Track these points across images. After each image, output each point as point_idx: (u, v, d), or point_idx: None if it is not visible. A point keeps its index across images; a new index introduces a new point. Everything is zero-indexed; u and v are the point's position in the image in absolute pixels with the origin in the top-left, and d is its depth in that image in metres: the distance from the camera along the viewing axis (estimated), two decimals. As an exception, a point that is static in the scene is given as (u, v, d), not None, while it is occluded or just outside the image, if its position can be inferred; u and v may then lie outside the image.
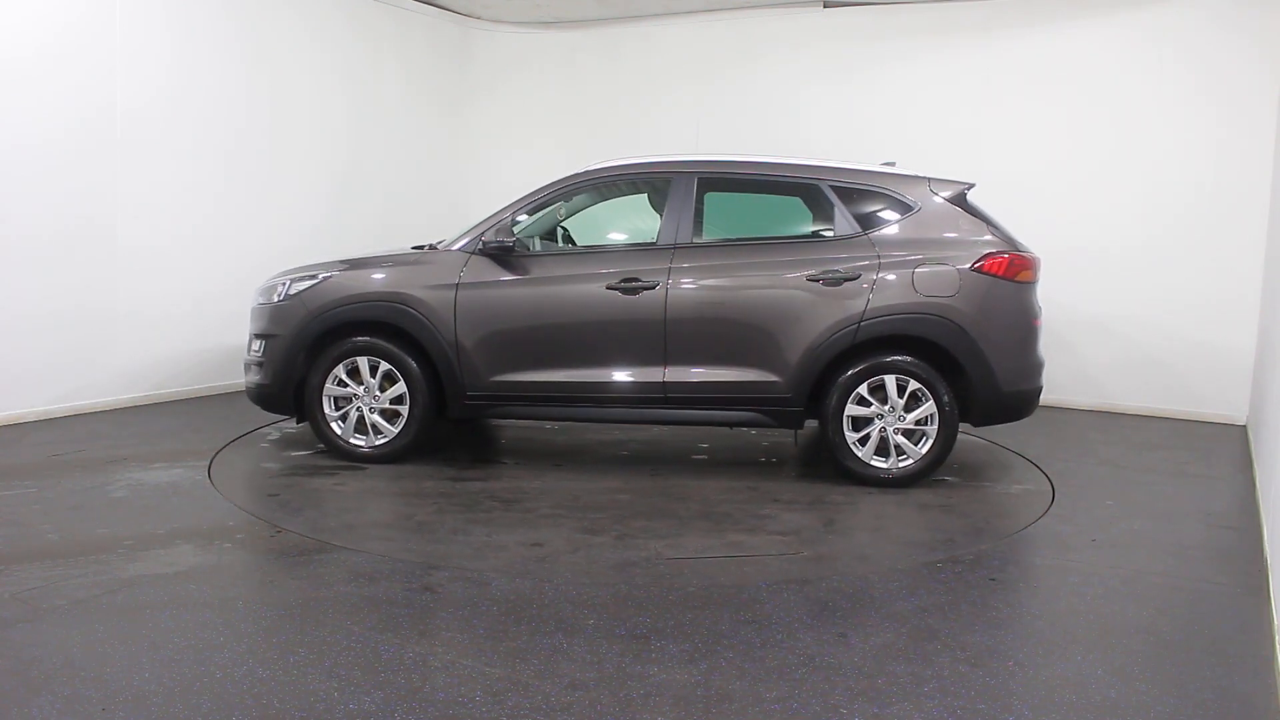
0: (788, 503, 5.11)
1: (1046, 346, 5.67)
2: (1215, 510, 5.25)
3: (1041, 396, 5.59)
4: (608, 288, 5.46)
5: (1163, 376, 7.68)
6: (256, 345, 5.78)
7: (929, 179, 5.56)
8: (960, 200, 5.51)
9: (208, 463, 5.52)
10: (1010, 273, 5.34)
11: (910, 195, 5.51)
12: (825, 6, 8.59)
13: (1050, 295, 6.03)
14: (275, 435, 6.30)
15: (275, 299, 5.74)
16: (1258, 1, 7.24)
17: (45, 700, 2.83)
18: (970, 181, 5.61)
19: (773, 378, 5.38)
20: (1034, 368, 5.48)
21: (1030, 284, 5.42)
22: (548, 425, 6.83)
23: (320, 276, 5.72)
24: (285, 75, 7.92)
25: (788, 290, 5.39)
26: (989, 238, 5.40)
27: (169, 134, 7.04)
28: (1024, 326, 5.42)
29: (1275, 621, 3.62)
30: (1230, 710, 2.99)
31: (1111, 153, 7.72)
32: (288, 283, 5.76)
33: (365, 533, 4.49)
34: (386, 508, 4.99)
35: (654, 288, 5.43)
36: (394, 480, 5.39)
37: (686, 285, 5.44)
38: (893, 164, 5.75)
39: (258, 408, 5.88)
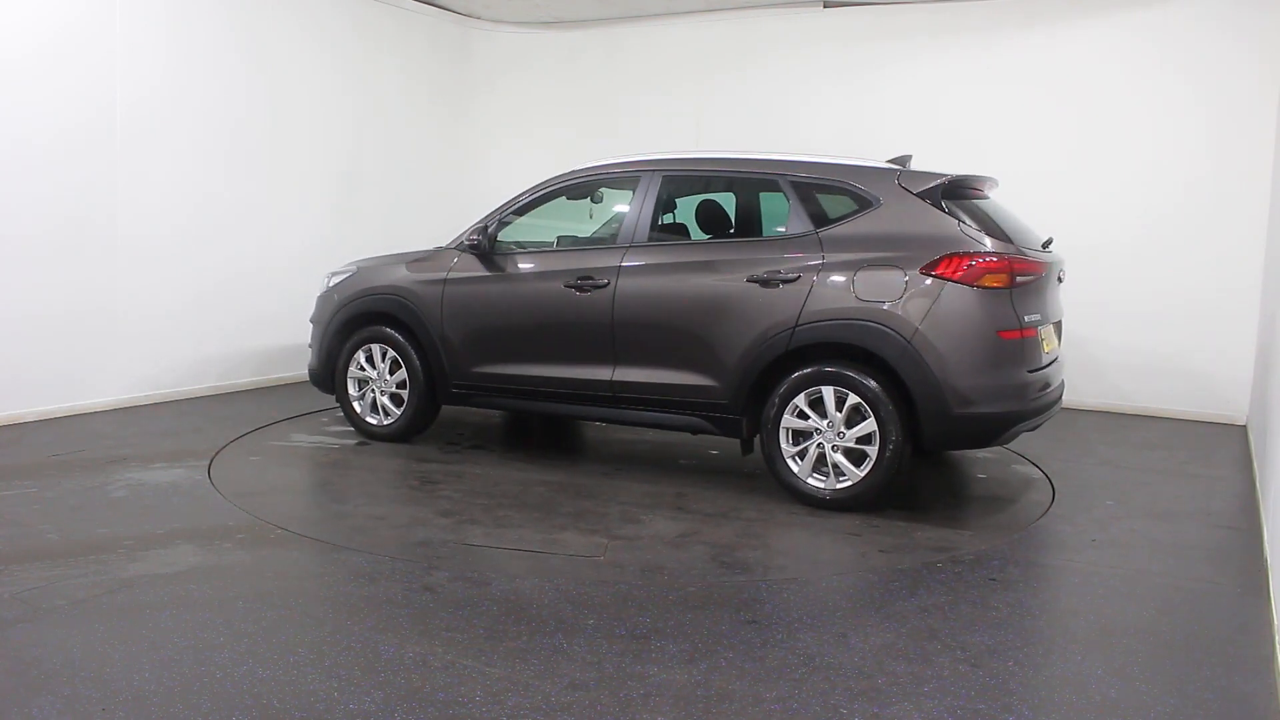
0: (687, 512, 4.89)
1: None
2: (1215, 510, 5.25)
3: (1027, 423, 4.92)
4: (565, 285, 5.51)
5: (1163, 376, 7.67)
6: (310, 330, 6.44)
7: (899, 172, 5.07)
8: (934, 195, 4.92)
9: (208, 463, 5.52)
10: (969, 277, 4.67)
11: (873, 190, 4.99)
12: (825, 6, 8.59)
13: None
14: (278, 432, 6.33)
15: (322, 289, 6.44)
16: (1258, 2, 7.24)
17: (45, 700, 2.83)
18: (947, 174, 5.02)
19: (711, 383, 5.14)
20: (1000, 390, 4.73)
21: (1000, 291, 4.71)
22: (599, 422, 6.76)
23: (350, 270, 6.36)
24: (285, 75, 7.91)
25: (726, 292, 5.09)
26: (954, 237, 4.77)
27: (169, 134, 7.03)
28: (984, 340, 4.70)
29: (1275, 621, 3.62)
30: (1230, 710, 2.99)
31: (1111, 152, 7.72)
32: (330, 275, 6.45)
33: (263, 492, 5.12)
34: (316, 475, 5.60)
35: (604, 286, 5.39)
36: (373, 456, 5.89)
37: (633, 284, 5.34)
38: (909, 158, 5.49)
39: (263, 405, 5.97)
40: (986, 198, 5.35)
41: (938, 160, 5.89)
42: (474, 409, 6.71)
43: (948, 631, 3.49)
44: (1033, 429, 5.11)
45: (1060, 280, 5.39)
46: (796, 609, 3.71)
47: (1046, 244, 5.40)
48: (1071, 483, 5.63)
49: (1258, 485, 5.57)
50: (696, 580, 3.97)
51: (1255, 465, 5.99)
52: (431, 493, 5.16)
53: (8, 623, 3.35)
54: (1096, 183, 7.76)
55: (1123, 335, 7.73)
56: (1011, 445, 6.32)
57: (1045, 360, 5.06)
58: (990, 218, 5.11)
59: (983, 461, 6.10)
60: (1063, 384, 5.44)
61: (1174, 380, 7.64)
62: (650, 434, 6.56)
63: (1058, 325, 5.42)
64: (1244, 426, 7.35)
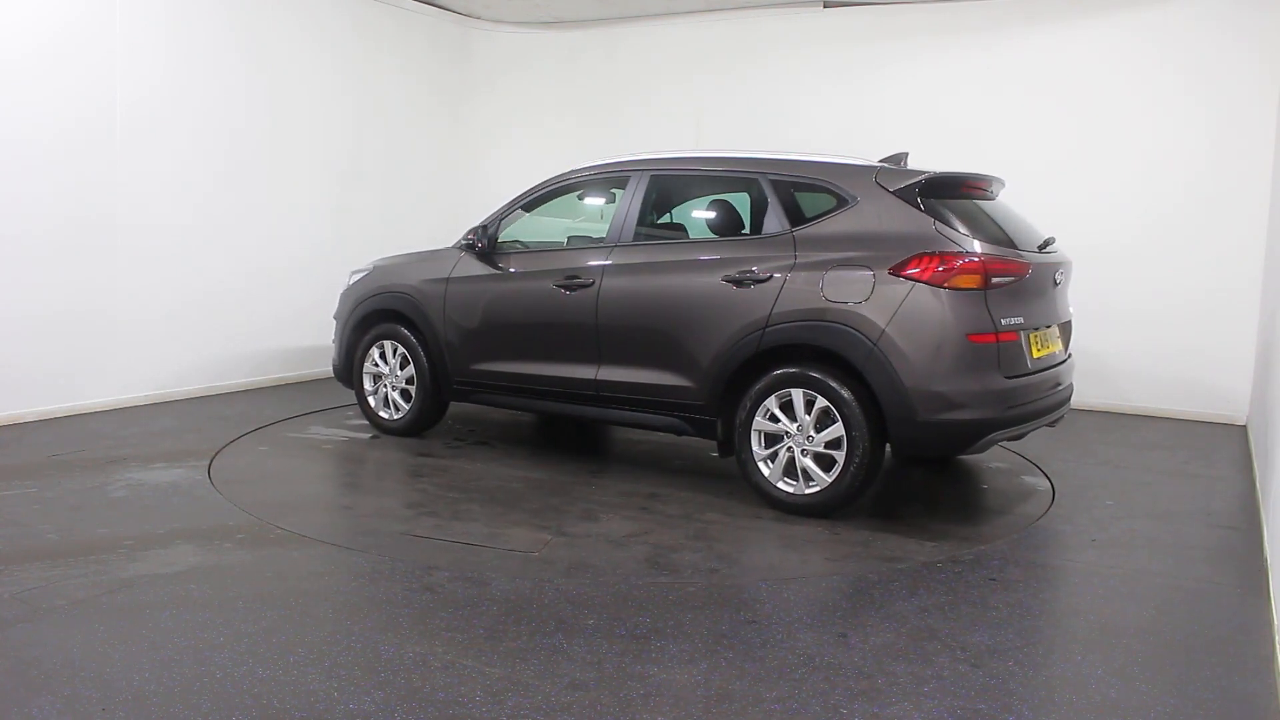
0: (650, 512, 4.85)
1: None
2: (1215, 510, 5.24)
3: (1006, 431, 4.67)
4: (554, 285, 5.57)
5: (1163, 376, 7.67)
6: (334, 327, 6.67)
7: (878, 169, 4.92)
8: (910, 193, 4.75)
9: (208, 463, 5.52)
10: (940, 278, 4.48)
11: (851, 188, 4.86)
12: (825, 6, 8.60)
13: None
14: (298, 425, 6.35)
15: (344, 287, 6.67)
16: (1258, 2, 7.24)
17: (45, 700, 2.83)
18: (926, 171, 4.85)
19: (686, 383, 5.11)
20: (972, 396, 4.49)
21: (973, 292, 4.51)
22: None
23: (368, 269, 6.59)
24: (285, 75, 7.91)
25: (702, 292, 5.04)
26: (927, 236, 4.59)
27: (169, 134, 7.03)
28: (953, 344, 4.47)
29: (1275, 621, 3.62)
30: (1230, 710, 2.99)
31: (1111, 152, 7.72)
32: (351, 273, 6.69)
33: (248, 482, 5.26)
34: (313, 468, 5.71)
35: (590, 285, 5.43)
36: (378, 450, 6.10)
37: (615, 284, 5.36)
38: (904, 156, 5.36)
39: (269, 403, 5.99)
40: (989, 197, 5.19)
41: (938, 160, 5.86)
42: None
43: (948, 631, 3.49)
44: (1017, 437, 4.95)
45: (1056, 283, 5.15)
46: (796, 609, 3.71)
47: (1045, 244, 5.22)
48: (1071, 483, 5.63)
49: (1258, 485, 5.57)
50: (622, 580, 3.93)
51: (1255, 465, 5.99)
52: (410, 485, 5.28)
53: (8, 623, 3.35)
54: (1096, 183, 7.76)
55: (1123, 335, 7.72)
56: (1011, 445, 6.32)
57: (1033, 366, 4.83)
58: (987, 217, 4.97)
59: (982, 462, 6.10)
60: (1069, 388, 5.29)
61: (1174, 380, 7.64)
62: (656, 435, 6.57)
63: (1063, 327, 5.27)
64: (1244, 426, 7.35)
